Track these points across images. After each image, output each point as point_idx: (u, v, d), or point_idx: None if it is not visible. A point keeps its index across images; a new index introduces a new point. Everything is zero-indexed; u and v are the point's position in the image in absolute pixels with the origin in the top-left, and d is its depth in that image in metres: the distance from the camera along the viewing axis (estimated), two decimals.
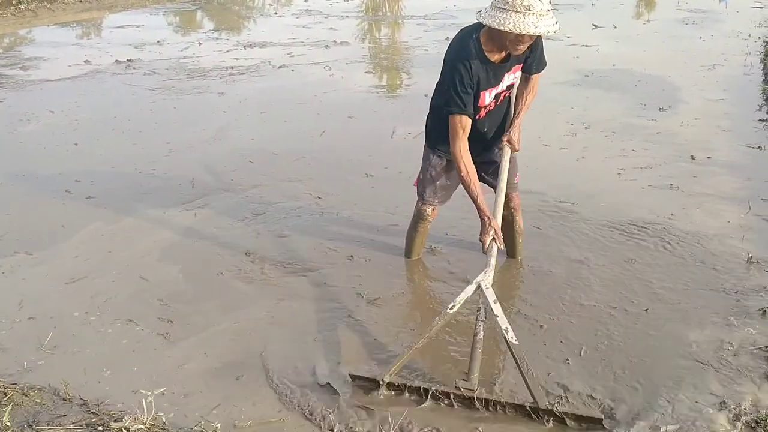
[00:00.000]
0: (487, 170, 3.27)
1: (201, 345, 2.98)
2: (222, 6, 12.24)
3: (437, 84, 3.05)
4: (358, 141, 5.53)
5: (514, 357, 2.58)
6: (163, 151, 5.29)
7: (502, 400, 2.55)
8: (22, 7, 11.16)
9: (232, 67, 7.64)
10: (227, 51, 8.43)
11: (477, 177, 2.99)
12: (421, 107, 6.18)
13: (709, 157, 4.99)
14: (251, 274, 3.57)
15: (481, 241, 2.94)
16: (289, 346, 2.96)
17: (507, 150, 3.15)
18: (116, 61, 7.90)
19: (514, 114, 3.18)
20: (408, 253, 3.71)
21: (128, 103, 6.48)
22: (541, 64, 3.04)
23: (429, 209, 3.41)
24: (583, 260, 3.62)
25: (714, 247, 3.71)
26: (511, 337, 2.61)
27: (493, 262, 2.88)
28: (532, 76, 3.08)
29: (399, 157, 5.13)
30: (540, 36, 2.72)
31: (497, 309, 2.69)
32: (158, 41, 8.91)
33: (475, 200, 2.96)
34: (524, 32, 2.56)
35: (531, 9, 2.56)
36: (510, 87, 3.04)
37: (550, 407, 2.47)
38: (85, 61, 7.91)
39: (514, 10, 2.57)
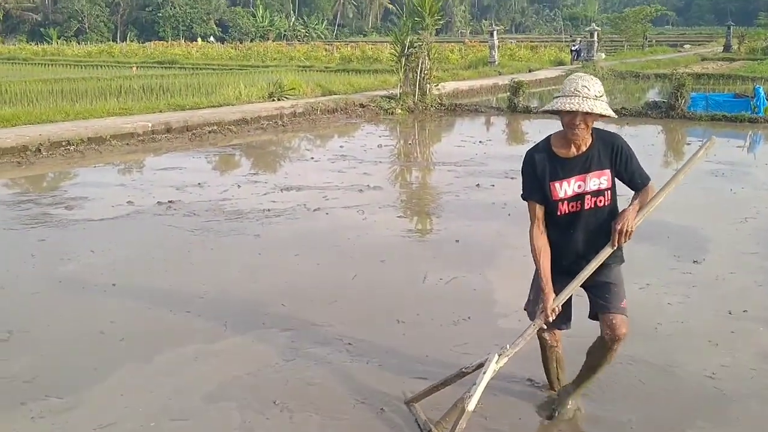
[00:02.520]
0: (591, 294, 3.33)
1: None
2: (261, 149, 12.77)
3: None
4: (389, 285, 5.57)
5: (458, 418, 3.03)
6: (198, 293, 5.35)
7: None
8: (71, 148, 11.76)
9: (268, 210, 7.85)
10: (264, 194, 8.70)
11: (547, 256, 3.24)
12: (453, 252, 6.34)
13: (745, 311, 4.91)
14: (278, 425, 3.50)
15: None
16: None
17: (607, 250, 3.17)
18: (158, 202, 8.19)
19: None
20: (549, 384, 3.74)
21: (167, 244, 6.65)
22: (643, 178, 3.22)
23: (546, 335, 3.47)
24: (626, 422, 3.50)
25: (758, 410, 3.57)
26: (468, 404, 3.01)
27: (521, 341, 3.17)
28: (643, 190, 3.24)
29: (430, 303, 5.14)
30: (621, 147, 3.16)
31: (484, 381, 3.07)
32: (199, 183, 9.25)
33: (538, 273, 3.25)
34: (566, 108, 3.01)
35: (577, 92, 3.02)
36: (597, 193, 3.17)
37: None
38: (127, 202, 8.20)
39: (564, 94, 3.05)
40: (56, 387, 3.89)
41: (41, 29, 69.60)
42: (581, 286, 3.25)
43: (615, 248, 3.15)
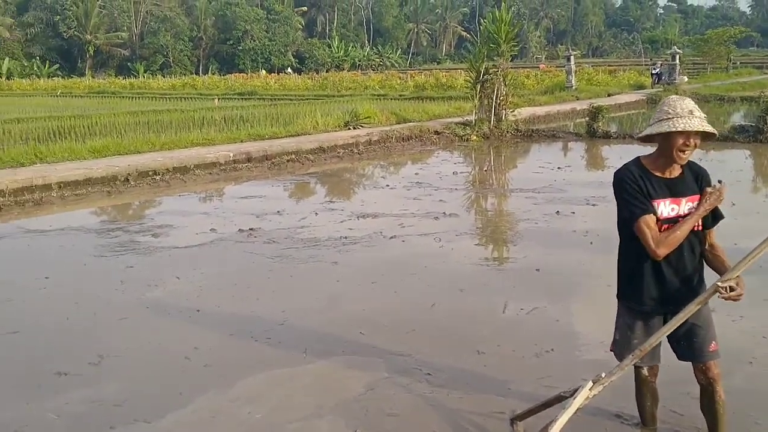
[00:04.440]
0: (676, 336, 3.19)
1: None
2: (338, 177, 12.94)
3: (618, 221, 3.22)
4: (468, 315, 5.49)
5: None
6: (278, 319, 5.42)
7: None
8: (157, 178, 12.21)
9: (345, 237, 7.91)
10: (341, 221, 8.78)
11: (681, 228, 3.05)
12: (533, 282, 6.22)
13: None
14: None
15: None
16: None
17: (710, 291, 2.98)
18: (239, 229, 8.38)
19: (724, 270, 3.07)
20: (642, 420, 3.60)
21: (248, 271, 6.78)
22: (719, 211, 3.16)
23: (643, 370, 3.37)
24: None
25: None
26: (551, 428, 2.94)
27: (618, 371, 3.05)
28: (713, 239, 3.21)
29: (511, 334, 5.05)
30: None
31: (572, 407, 2.97)
32: (278, 211, 9.43)
33: (694, 221, 3.06)
34: (694, 129, 2.94)
35: (693, 112, 2.97)
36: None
37: None
38: (210, 230, 8.43)
39: (680, 115, 2.97)
40: (144, 411, 4.00)
41: (129, 64, 73.06)
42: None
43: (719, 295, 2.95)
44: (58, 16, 71.56)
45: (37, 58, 70.29)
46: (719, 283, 2.92)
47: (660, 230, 3.05)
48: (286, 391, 4.23)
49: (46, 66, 68.76)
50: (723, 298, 2.92)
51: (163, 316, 5.61)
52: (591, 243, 7.26)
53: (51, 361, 4.77)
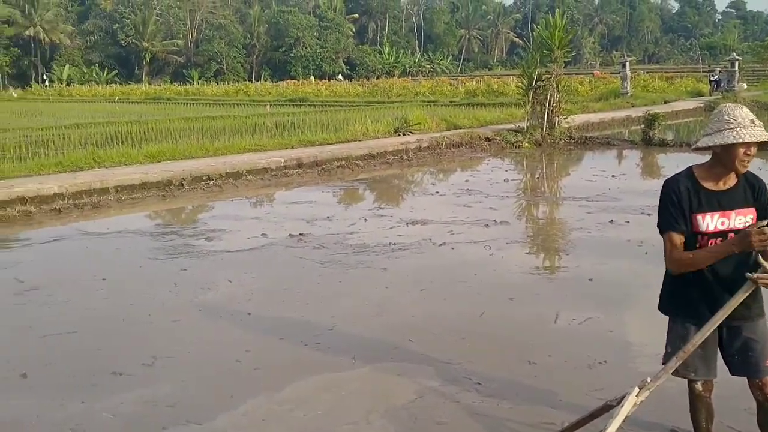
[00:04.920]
0: (730, 350, 3.15)
1: None
2: (387, 183, 12.96)
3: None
4: (519, 324, 5.43)
5: None
6: (328, 324, 5.45)
7: None
8: (211, 183, 12.42)
9: (394, 244, 7.91)
10: (390, 228, 8.78)
11: (696, 256, 3.01)
12: (586, 292, 6.11)
13: None
14: None
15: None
16: None
17: (747, 286, 2.94)
18: (290, 234, 8.45)
19: None
20: None
21: (298, 276, 6.84)
22: None
23: (697, 385, 3.29)
24: None
25: None
26: None
27: (663, 375, 2.99)
28: None
29: (563, 345, 4.96)
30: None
31: (621, 415, 2.90)
32: (328, 217, 9.48)
33: (712, 257, 2.98)
34: (760, 139, 2.90)
35: (755, 122, 2.93)
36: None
37: None
38: (262, 234, 8.53)
39: (743, 125, 2.91)
40: (195, 413, 4.05)
41: (184, 71, 74.69)
42: (720, 348, 3.16)
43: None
44: (117, 25, 73.72)
45: (96, 64, 72.53)
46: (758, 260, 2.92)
47: (707, 244, 3.03)
48: (335, 396, 4.24)
49: (105, 73, 70.86)
50: (751, 280, 2.90)
51: (215, 318, 5.69)
52: (646, 253, 7.09)
53: (107, 360, 4.88)
